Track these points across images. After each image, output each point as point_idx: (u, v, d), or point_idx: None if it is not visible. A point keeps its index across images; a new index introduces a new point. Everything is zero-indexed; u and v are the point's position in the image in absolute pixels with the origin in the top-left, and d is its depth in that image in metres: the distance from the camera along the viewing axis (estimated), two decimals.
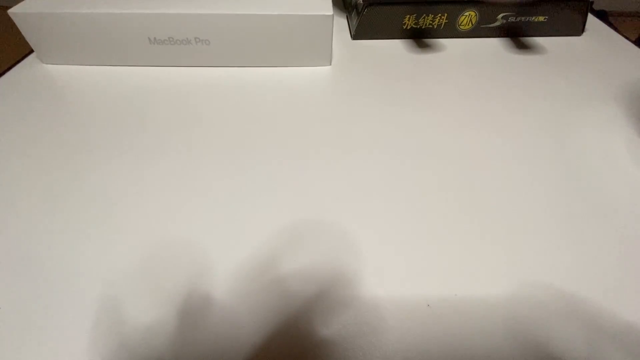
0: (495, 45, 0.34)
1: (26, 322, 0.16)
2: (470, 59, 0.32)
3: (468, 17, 0.34)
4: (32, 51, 0.32)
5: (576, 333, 0.16)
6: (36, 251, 0.18)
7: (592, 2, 0.34)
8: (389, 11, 0.33)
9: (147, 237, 0.19)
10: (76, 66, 0.31)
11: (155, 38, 0.28)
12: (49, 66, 0.31)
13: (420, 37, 0.35)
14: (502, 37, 0.36)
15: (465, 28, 0.35)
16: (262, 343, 0.15)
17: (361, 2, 0.33)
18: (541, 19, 0.34)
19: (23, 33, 0.28)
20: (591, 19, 0.38)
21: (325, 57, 0.31)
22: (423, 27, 0.34)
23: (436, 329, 0.16)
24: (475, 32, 0.35)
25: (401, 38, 0.35)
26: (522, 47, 0.34)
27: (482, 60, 0.32)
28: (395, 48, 0.34)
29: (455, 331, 0.16)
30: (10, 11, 0.27)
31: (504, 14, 0.34)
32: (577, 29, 0.36)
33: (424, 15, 0.33)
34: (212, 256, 0.18)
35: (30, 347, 0.15)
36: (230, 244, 0.19)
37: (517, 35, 0.36)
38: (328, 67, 0.31)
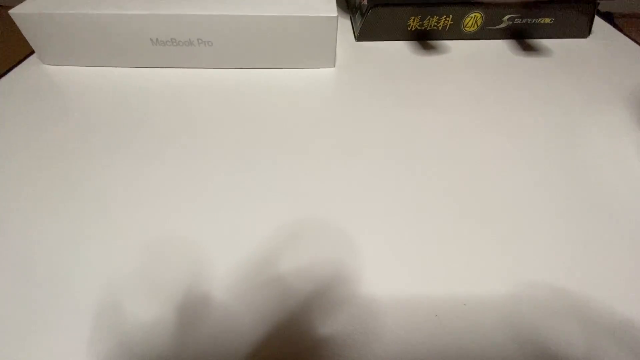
0: (500, 47, 0.34)
1: (25, 323, 0.16)
2: (475, 61, 0.32)
3: (473, 19, 0.33)
4: (33, 52, 0.31)
5: (592, 338, 0.15)
6: (35, 251, 0.18)
7: (598, 4, 0.34)
8: (393, 12, 0.33)
9: (147, 236, 0.19)
10: (77, 67, 0.30)
11: (157, 39, 0.28)
12: (50, 67, 0.30)
13: (425, 39, 0.35)
14: (507, 39, 0.35)
15: (470, 30, 0.34)
16: (261, 342, 0.15)
17: (365, 3, 0.33)
18: (547, 20, 0.34)
19: (24, 34, 0.28)
20: (597, 21, 0.37)
21: (329, 59, 0.30)
22: (428, 29, 0.34)
23: (443, 335, 0.16)
24: (480, 34, 0.35)
25: (405, 39, 0.35)
26: (528, 49, 0.34)
27: (488, 62, 0.32)
28: (400, 50, 0.34)
29: (463, 339, 0.15)
30: (11, 12, 0.27)
31: (510, 15, 0.33)
32: (584, 31, 0.35)
33: (429, 16, 0.33)
34: (212, 255, 0.18)
35: (30, 347, 0.15)
36: (230, 244, 0.18)
37: (522, 37, 0.35)
38: (332, 69, 0.31)
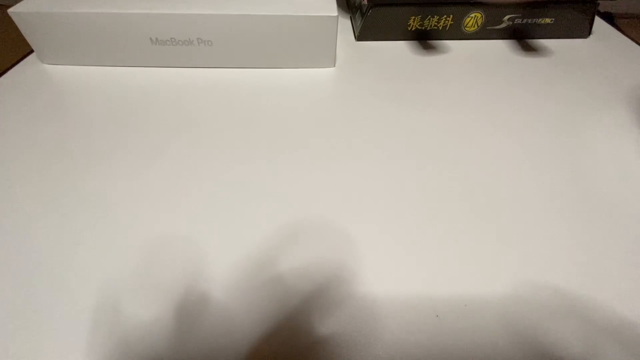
0: (501, 48, 0.34)
1: (25, 323, 0.16)
2: (475, 61, 0.32)
3: (474, 19, 0.33)
4: (32, 51, 0.31)
5: (592, 338, 0.15)
6: (34, 251, 0.18)
7: (598, 4, 0.34)
8: (393, 12, 0.33)
9: (146, 236, 0.19)
10: (76, 66, 0.30)
11: (157, 38, 0.28)
12: (49, 66, 0.30)
13: (425, 39, 0.35)
14: (508, 39, 0.35)
15: (470, 30, 0.34)
16: (260, 341, 0.15)
17: (365, 3, 0.33)
18: (547, 21, 0.34)
19: (23, 33, 0.28)
20: (598, 22, 0.37)
21: (329, 59, 0.30)
22: (428, 29, 0.34)
23: (444, 335, 0.16)
24: (480, 34, 0.34)
25: (406, 39, 0.35)
26: (528, 49, 0.34)
27: (488, 62, 0.32)
28: (400, 49, 0.33)
29: (463, 340, 0.15)
30: (10, 10, 0.27)
31: (510, 15, 0.33)
32: (584, 32, 0.35)
33: (429, 16, 0.33)
34: (211, 255, 0.18)
35: (30, 347, 0.15)
36: (229, 243, 0.18)
37: (523, 37, 0.35)
38: (332, 69, 0.31)
